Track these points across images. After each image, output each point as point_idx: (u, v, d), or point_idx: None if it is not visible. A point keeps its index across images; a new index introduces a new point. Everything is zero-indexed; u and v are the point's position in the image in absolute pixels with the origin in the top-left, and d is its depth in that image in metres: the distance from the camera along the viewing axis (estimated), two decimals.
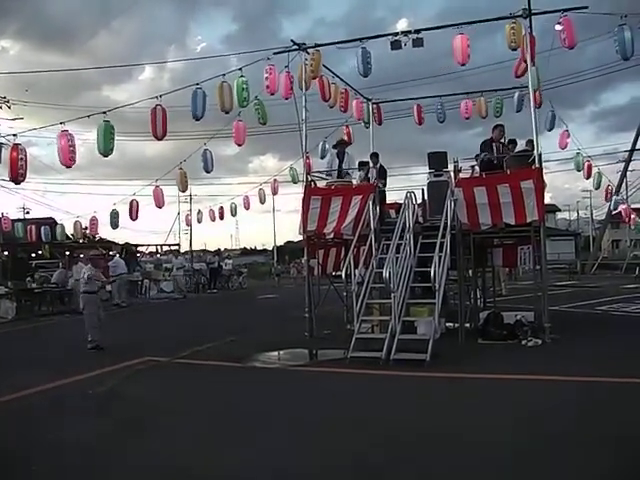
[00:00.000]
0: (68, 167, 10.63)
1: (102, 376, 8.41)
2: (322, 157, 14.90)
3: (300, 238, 13.00)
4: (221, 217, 21.22)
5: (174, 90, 12.28)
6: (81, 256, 20.14)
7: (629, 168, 34.79)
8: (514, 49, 10.66)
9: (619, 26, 10.25)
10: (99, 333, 11.09)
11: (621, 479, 4.43)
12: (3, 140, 16.99)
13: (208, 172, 13.79)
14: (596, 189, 19.63)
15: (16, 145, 10.15)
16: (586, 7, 10.20)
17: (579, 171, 17.53)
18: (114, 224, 16.31)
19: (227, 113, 11.63)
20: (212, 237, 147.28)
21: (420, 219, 11.92)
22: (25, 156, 10.22)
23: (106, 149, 10.77)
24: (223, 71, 11.59)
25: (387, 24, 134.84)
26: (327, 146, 14.72)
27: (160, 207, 14.97)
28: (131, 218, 15.50)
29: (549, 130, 15.46)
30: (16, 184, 11.13)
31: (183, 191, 15.81)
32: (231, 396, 7.26)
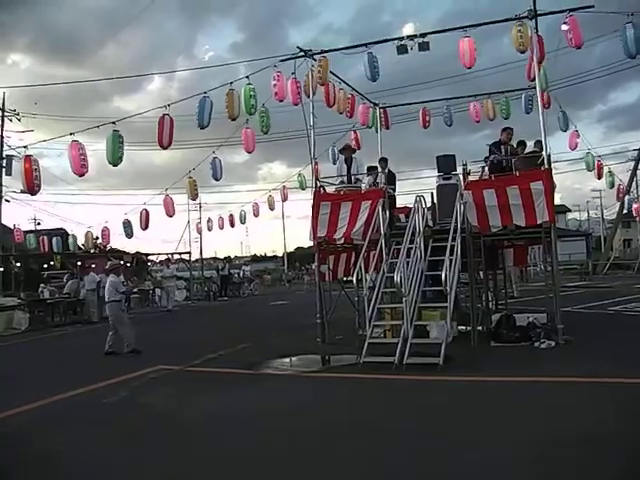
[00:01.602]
0: (81, 176, 10.74)
1: (116, 385, 8.44)
2: (334, 162, 14.90)
3: (310, 244, 13.01)
4: (231, 224, 21.35)
5: (181, 100, 12.40)
6: (92, 266, 20.31)
7: (639, 167, 34.60)
8: (522, 52, 10.64)
9: (625, 25, 10.21)
10: (132, 337, 11.42)
11: None
12: (14, 152, 17.18)
13: (217, 180, 13.90)
14: (610, 188, 19.58)
15: (28, 157, 10.26)
16: (592, 6, 10.18)
17: (590, 171, 17.50)
18: (128, 234, 16.42)
19: (234, 120, 11.69)
20: (222, 245, 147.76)
21: (430, 223, 11.89)
22: (38, 167, 10.34)
23: (115, 158, 10.87)
24: (231, 80, 11.67)
25: (393, 29, 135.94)
26: (336, 151, 14.74)
27: (170, 216, 15.07)
28: (142, 227, 15.61)
29: (564, 130, 15.49)
30: (32, 195, 11.27)
31: (193, 199, 15.92)
32: (245, 404, 7.27)
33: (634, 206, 22.39)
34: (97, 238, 22.26)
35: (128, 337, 11.36)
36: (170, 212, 14.92)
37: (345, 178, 12.56)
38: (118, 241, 29.51)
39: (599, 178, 18.04)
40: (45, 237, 24.73)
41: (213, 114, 11.60)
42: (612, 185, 18.78)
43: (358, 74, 12.03)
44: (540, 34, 10.84)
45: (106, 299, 11.81)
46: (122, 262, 14.47)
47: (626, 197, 22.39)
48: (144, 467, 5.13)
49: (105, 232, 18.05)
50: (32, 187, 10.30)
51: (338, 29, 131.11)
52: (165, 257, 28.02)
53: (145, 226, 15.72)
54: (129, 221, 16.18)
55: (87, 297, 19.08)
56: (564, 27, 10.43)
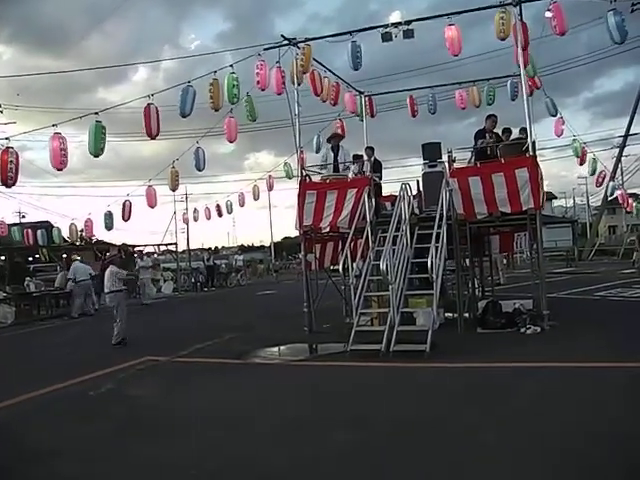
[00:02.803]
0: (59, 170, 10.60)
1: (103, 377, 8.40)
2: (317, 151, 14.87)
3: (297, 233, 12.99)
4: (218, 214, 21.19)
5: (165, 89, 12.26)
6: (78, 258, 20.13)
7: (624, 153, 34.83)
8: (503, 39, 10.58)
9: (607, 12, 10.20)
10: (126, 329, 11.47)
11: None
12: None
13: (200, 170, 13.72)
14: (591, 175, 19.64)
15: (7, 149, 10.09)
16: None
17: (578, 157, 17.55)
18: (108, 226, 16.24)
19: (216, 111, 11.59)
20: (210, 235, 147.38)
21: (416, 210, 11.92)
22: (16, 159, 10.13)
23: (96, 149, 10.74)
24: (216, 69, 11.53)
25: (380, 17, 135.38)
26: (321, 140, 14.70)
27: (152, 207, 14.87)
28: (123, 219, 15.45)
29: (553, 116, 15.54)
30: (7, 187, 11.07)
31: (173, 190, 15.66)
32: (233, 393, 7.27)
33: (617, 192, 22.51)
34: (82, 230, 22.03)
35: (119, 328, 11.33)
36: (152, 203, 14.75)
37: (331, 166, 12.53)
38: (105, 233, 29.32)
39: (581, 164, 18.09)
40: (30, 230, 24.44)
41: (200, 104, 11.49)
42: (594, 172, 18.79)
43: (344, 63, 11.97)
44: (525, 21, 10.80)
45: (106, 290, 11.73)
46: (118, 254, 14.35)
47: (610, 183, 22.45)
48: (131, 459, 5.10)
49: (88, 224, 17.80)
50: (6, 180, 10.11)
51: (325, 18, 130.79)
52: (147, 248, 27.75)
53: (127, 217, 15.55)
54: (110, 213, 15.99)
55: (74, 290, 18.94)
56: (548, 14, 10.40)
